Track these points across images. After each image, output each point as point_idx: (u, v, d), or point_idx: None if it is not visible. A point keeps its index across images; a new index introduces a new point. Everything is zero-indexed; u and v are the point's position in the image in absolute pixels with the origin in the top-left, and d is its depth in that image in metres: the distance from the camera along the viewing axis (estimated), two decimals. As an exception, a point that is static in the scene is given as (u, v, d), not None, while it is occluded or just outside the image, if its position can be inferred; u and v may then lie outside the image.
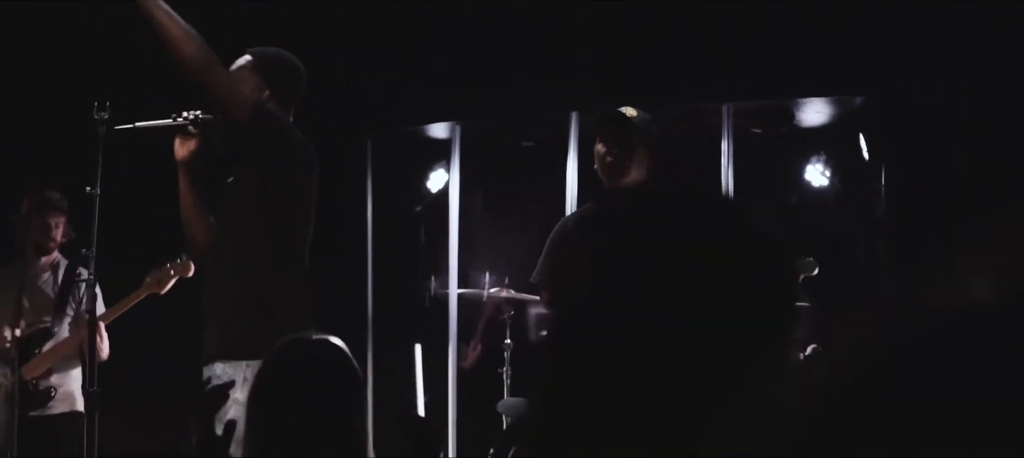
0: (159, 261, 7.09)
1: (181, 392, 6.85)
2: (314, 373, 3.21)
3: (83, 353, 7.26)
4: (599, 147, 5.80)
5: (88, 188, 5.33)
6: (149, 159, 5.47)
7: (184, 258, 7.01)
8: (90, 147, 5.36)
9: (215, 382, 5.12)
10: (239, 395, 5.03)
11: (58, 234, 7.36)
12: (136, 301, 7.11)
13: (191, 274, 6.91)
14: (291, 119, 5.32)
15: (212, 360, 5.15)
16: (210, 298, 5.26)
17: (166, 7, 4.94)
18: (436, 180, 9.24)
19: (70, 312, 7.35)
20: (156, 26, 4.94)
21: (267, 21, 7.22)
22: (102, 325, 7.07)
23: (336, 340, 3.38)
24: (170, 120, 5.23)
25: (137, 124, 5.27)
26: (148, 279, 7.11)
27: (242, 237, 5.17)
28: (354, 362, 3.30)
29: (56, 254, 7.43)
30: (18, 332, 7.03)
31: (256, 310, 5.11)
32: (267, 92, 5.24)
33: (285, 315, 5.06)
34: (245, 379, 5.02)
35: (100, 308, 7.25)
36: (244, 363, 5.02)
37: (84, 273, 5.50)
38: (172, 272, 7.06)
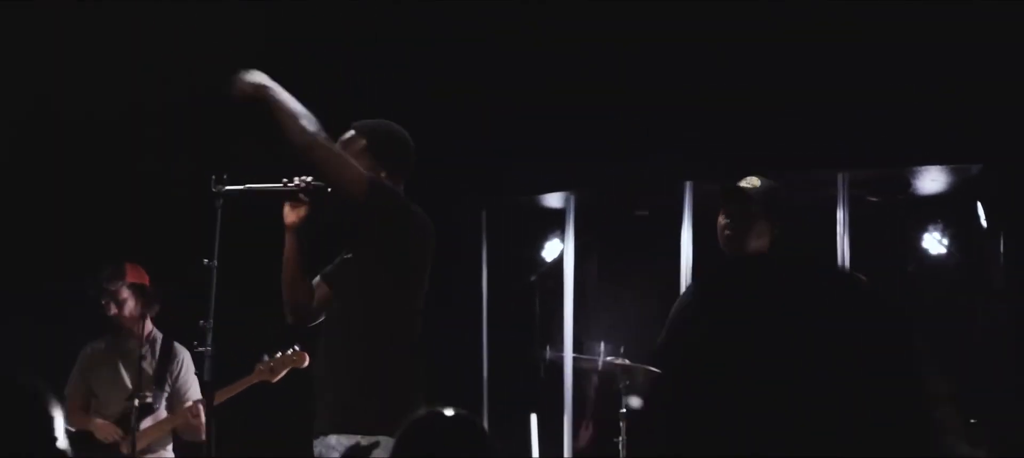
0: (271, 347, 7.10)
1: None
2: (452, 449, 3.18)
3: (178, 431, 7.35)
4: (720, 219, 5.79)
5: (206, 260, 5.40)
6: (255, 231, 5.55)
7: (298, 349, 7.03)
8: (208, 219, 5.44)
9: (328, 451, 5.15)
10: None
11: (128, 311, 7.31)
12: (244, 387, 7.10)
13: (306, 365, 6.97)
14: (403, 189, 5.37)
15: (325, 433, 5.19)
16: (324, 371, 5.31)
17: (281, 93, 5.04)
18: (551, 249, 9.27)
19: (167, 388, 7.34)
20: (269, 105, 5.03)
21: (380, 91, 7.30)
22: (200, 406, 7.12)
23: (473, 416, 3.37)
24: (281, 185, 5.33)
25: (248, 186, 5.40)
26: (260, 366, 7.11)
27: (359, 311, 5.23)
28: (489, 438, 3.27)
29: (151, 329, 7.39)
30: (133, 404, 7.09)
31: (371, 384, 5.15)
32: (382, 172, 5.30)
33: (400, 388, 5.09)
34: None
35: (194, 388, 7.34)
36: (359, 436, 5.05)
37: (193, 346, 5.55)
38: (286, 362, 7.09)
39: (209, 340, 5.33)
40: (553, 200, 9.09)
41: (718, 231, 5.79)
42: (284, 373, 7.12)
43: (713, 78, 7.93)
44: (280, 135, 5.05)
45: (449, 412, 3.28)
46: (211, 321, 5.33)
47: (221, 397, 6.95)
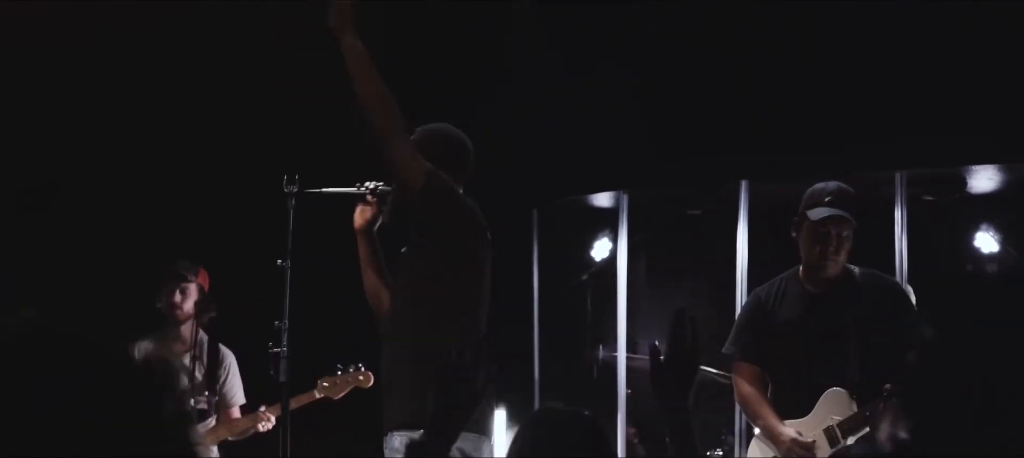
0: (344, 348, 7.09)
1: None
2: (571, 445, 3.17)
3: (223, 436, 7.36)
4: (834, 236, 5.85)
5: (279, 261, 5.42)
6: (327, 233, 5.57)
7: (364, 370, 7.03)
8: (281, 220, 5.46)
9: (391, 452, 5.15)
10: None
11: (187, 307, 7.34)
12: (304, 404, 7.02)
13: (371, 386, 6.98)
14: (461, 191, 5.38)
15: (391, 430, 5.20)
16: (388, 368, 5.30)
17: (370, 66, 5.02)
18: (600, 249, 9.27)
19: (216, 393, 7.36)
20: (355, 81, 5.01)
21: (435, 92, 7.31)
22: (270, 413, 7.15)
23: (587, 412, 3.37)
24: (354, 189, 5.37)
25: (323, 189, 5.45)
26: (324, 383, 7.09)
27: (418, 306, 5.22)
28: (606, 434, 3.26)
29: (200, 331, 7.35)
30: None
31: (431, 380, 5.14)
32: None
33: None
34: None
35: (240, 393, 7.35)
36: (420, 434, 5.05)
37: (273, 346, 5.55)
38: (349, 382, 7.06)
39: (284, 340, 5.35)
40: (603, 199, 9.08)
41: (822, 250, 5.84)
42: (346, 391, 7.10)
43: (770, 76, 7.91)
44: (357, 112, 5.01)
45: (566, 409, 3.27)
46: (286, 322, 5.35)
47: (275, 411, 7.03)
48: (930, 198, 8.23)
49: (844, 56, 7.74)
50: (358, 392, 7.03)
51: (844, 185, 6.08)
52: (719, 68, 8.01)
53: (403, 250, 5.36)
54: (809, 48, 7.79)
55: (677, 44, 8.09)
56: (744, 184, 8.26)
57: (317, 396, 7.07)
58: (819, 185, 6.07)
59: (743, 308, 6.49)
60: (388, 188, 5.34)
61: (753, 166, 8.11)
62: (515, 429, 3.36)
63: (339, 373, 7.06)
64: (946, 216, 8.36)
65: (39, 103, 7.74)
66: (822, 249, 5.92)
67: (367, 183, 5.40)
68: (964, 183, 8.17)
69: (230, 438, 7.32)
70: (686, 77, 8.15)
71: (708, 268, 8.58)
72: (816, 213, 5.94)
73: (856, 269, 6.04)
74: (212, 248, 7.50)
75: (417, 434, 4.97)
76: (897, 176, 7.84)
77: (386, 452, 5.21)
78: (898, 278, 7.52)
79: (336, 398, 7.07)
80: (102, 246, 7.84)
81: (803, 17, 7.79)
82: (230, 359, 7.39)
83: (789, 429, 5.90)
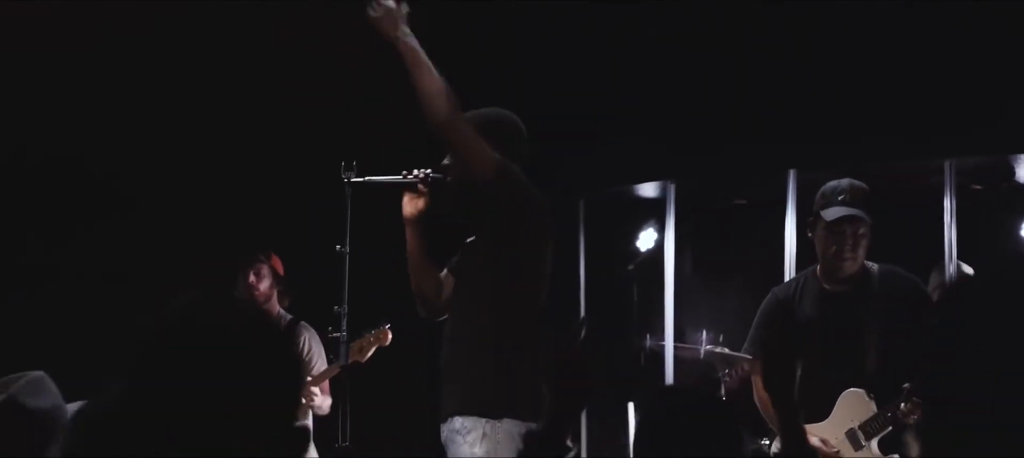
0: (402, 334, 7.15)
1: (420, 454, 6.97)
2: (699, 426, 3.17)
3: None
4: (850, 237, 5.84)
5: (338, 246, 5.47)
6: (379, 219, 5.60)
7: (383, 326, 7.10)
8: (339, 206, 5.51)
9: (454, 436, 5.20)
10: (478, 451, 5.10)
11: (264, 287, 7.53)
12: (336, 373, 6.98)
13: (389, 343, 7.03)
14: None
15: (451, 415, 5.24)
16: (449, 355, 5.34)
17: (425, 59, 5.06)
18: (645, 239, 9.29)
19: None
20: (413, 76, 5.06)
21: (478, 80, 7.34)
22: (326, 384, 7.24)
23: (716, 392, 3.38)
24: (401, 177, 5.40)
25: (371, 178, 5.48)
26: (351, 347, 7.17)
27: (482, 294, 5.27)
28: (732, 413, 3.25)
29: (279, 310, 7.57)
30: None
31: (497, 365, 5.19)
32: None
33: (525, 370, 5.13)
34: (485, 435, 5.10)
35: (322, 365, 7.44)
36: (484, 419, 5.10)
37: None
38: (372, 340, 7.12)
39: (344, 325, 5.41)
40: (648, 189, 9.10)
41: (838, 250, 5.83)
42: (372, 352, 7.17)
43: (818, 65, 7.92)
44: (418, 105, 5.06)
45: (691, 388, 3.27)
46: (345, 307, 5.40)
47: (320, 380, 7.24)
48: (978, 187, 8.22)
49: (893, 45, 7.73)
50: (414, 380, 7.08)
51: (857, 181, 6.08)
52: (767, 57, 8.02)
53: (469, 240, 5.39)
54: (857, 37, 7.79)
55: (724, 33, 8.10)
56: (792, 173, 8.25)
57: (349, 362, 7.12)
58: (831, 183, 6.10)
59: (762, 307, 6.45)
60: (439, 176, 5.37)
61: (801, 156, 8.11)
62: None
63: (364, 335, 7.16)
64: (994, 205, 8.35)
65: (94, 91, 7.80)
66: (838, 249, 5.93)
67: (416, 171, 5.41)
68: (1013, 172, 8.15)
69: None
70: (733, 67, 8.16)
71: (755, 258, 8.58)
72: (830, 213, 5.96)
73: (875, 266, 6.02)
74: (272, 237, 7.60)
75: (480, 419, 5.05)
76: (946, 164, 7.82)
77: (446, 434, 5.25)
78: (947, 266, 7.52)
79: (364, 360, 7.14)
80: (168, 242, 7.91)
81: (851, 5, 7.79)
82: (307, 333, 7.50)
83: (812, 437, 5.81)
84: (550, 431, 3.24)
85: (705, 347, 7.78)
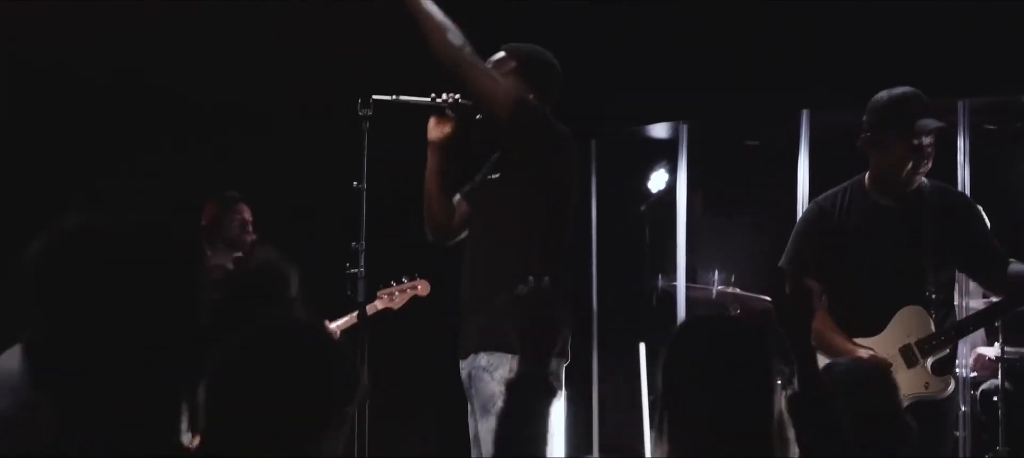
0: (418, 268, 7.20)
1: (435, 390, 6.98)
2: (726, 350, 3.15)
3: None
4: (924, 140, 5.65)
5: (355, 182, 5.47)
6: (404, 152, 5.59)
7: (419, 279, 7.13)
8: (355, 142, 5.50)
9: (481, 374, 5.20)
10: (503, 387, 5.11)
11: (251, 227, 7.46)
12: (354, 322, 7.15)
13: (427, 294, 7.03)
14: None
15: (474, 352, 5.24)
16: (471, 292, 5.33)
17: (440, 16, 5.07)
18: (657, 180, 9.30)
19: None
20: (417, 17, 5.06)
21: (492, 20, 7.31)
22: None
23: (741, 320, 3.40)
24: (429, 99, 5.37)
25: (398, 97, 5.43)
26: (382, 293, 7.19)
27: (507, 231, 5.25)
28: (764, 340, 3.20)
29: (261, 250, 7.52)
30: None
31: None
32: (530, 95, 5.32)
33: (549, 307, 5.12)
34: (511, 370, 5.10)
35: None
36: (510, 355, 5.09)
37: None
38: (408, 291, 7.17)
39: (362, 261, 5.42)
40: (661, 130, 9.11)
41: (915, 164, 5.62)
42: (406, 301, 7.19)
43: (830, 5, 7.90)
44: (426, 45, 5.07)
45: (722, 317, 3.27)
46: (363, 243, 5.41)
47: (345, 326, 7.07)
48: (992, 127, 8.20)
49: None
50: (429, 313, 7.10)
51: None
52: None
53: (492, 175, 5.38)
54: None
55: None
56: (805, 114, 8.24)
57: (378, 307, 7.14)
58: (909, 91, 5.76)
59: (803, 219, 6.08)
60: (467, 102, 5.34)
61: (814, 96, 8.10)
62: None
63: (395, 284, 7.15)
64: (1007, 145, 8.35)
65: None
66: (916, 163, 5.67)
67: (445, 95, 5.38)
68: (1025, 112, 8.14)
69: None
70: (746, 7, 8.14)
71: (767, 199, 8.57)
72: (926, 124, 5.63)
73: (926, 181, 5.80)
74: (286, 171, 7.59)
75: (504, 356, 5.03)
76: (960, 104, 7.80)
77: (464, 371, 5.26)
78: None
79: (396, 308, 7.16)
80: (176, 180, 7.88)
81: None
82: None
83: (863, 349, 5.59)
84: (528, 374, 3.28)
85: (717, 287, 7.80)
